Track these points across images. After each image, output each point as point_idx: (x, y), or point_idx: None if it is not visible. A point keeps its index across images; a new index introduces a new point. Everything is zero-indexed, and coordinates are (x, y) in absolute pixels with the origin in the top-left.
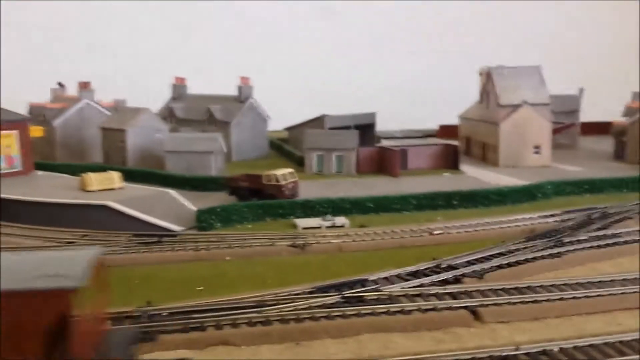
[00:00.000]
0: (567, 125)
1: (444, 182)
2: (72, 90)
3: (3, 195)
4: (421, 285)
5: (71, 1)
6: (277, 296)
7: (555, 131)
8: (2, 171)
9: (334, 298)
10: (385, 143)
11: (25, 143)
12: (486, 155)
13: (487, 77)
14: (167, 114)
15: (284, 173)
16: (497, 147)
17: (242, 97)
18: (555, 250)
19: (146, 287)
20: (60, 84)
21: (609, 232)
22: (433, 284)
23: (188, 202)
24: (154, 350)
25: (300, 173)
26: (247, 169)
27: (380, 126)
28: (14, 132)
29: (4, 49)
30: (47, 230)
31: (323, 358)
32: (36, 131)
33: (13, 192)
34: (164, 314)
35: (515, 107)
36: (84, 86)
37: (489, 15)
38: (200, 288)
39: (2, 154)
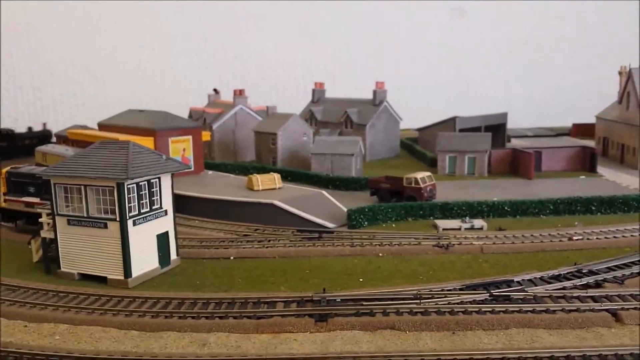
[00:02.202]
0: None
1: (581, 185)
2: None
3: (185, 192)
4: (564, 288)
5: (217, 16)
6: (431, 291)
7: None
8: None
9: (482, 295)
10: (515, 142)
11: (198, 146)
12: (625, 157)
13: (628, 77)
14: (308, 117)
15: (423, 176)
16: (637, 149)
17: (377, 101)
18: None
19: (316, 276)
20: (215, 90)
21: None
22: (575, 287)
23: (338, 203)
24: (332, 329)
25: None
26: (381, 169)
27: (512, 124)
28: (189, 137)
29: (166, 58)
30: (223, 224)
31: (477, 347)
32: (206, 136)
33: (191, 189)
34: (338, 300)
35: None
36: (239, 93)
37: (630, 13)
38: (361, 280)
39: (179, 155)
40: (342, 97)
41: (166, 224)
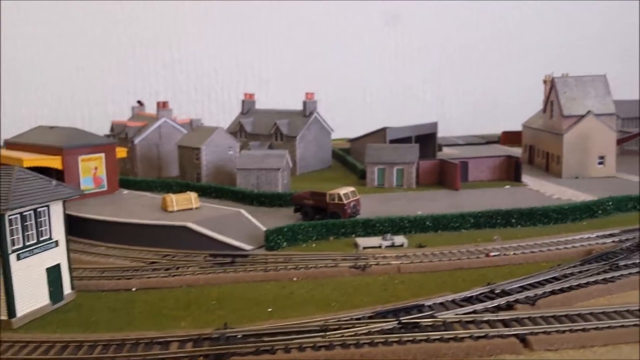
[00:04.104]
0: (633, 135)
1: (505, 195)
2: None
3: (91, 216)
4: (474, 312)
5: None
6: (339, 320)
7: (621, 141)
8: (90, 191)
9: (391, 324)
10: (446, 151)
11: (112, 164)
12: (549, 165)
13: (551, 86)
14: (238, 129)
15: (346, 192)
16: (561, 157)
17: (307, 112)
18: (610, 275)
19: (222, 307)
20: (139, 102)
21: None
22: (486, 309)
23: (258, 222)
24: None
25: (362, 186)
26: (311, 182)
27: (448, 132)
28: (102, 155)
29: (88, 66)
30: (132, 250)
31: None
32: (121, 152)
33: (100, 212)
34: (239, 336)
35: (580, 117)
36: (162, 105)
37: (557, 20)
38: (270, 309)
39: (90, 175)
40: (272, 108)
41: (57, 256)
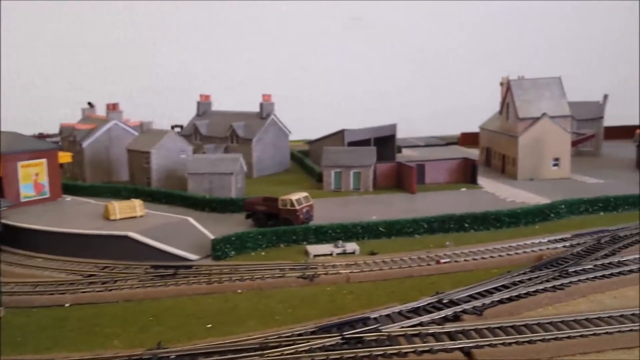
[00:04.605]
0: (587, 137)
1: (460, 198)
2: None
3: (28, 225)
4: (420, 324)
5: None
6: (280, 336)
7: (575, 143)
8: (31, 198)
9: (334, 339)
10: (406, 152)
11: (54, 170)
12: (505, 167)
13: (507, 88)
14: (193, 131)
15: (298, 197)
16: (516, 159)
17: (264, 114)
18: (559, 282)
19: (160, 323)
20: (90, 104)
21: (615, 259)
22: (433, 321)
23: (206, 230)
24: None
25: (318, 190)
26: (267, 186)
27: (405, 132)
28: (44, 160)
29: (41, 67)
30: (70, 262)
31: None
32: (65, 157)
33: (39, 221)
34: (172, 356)
35: (535, 119)
36: (113, 107)
37: (517, 24)
38: (210, 325)
39: (31, 181)
40: (228, 110)
41: None
